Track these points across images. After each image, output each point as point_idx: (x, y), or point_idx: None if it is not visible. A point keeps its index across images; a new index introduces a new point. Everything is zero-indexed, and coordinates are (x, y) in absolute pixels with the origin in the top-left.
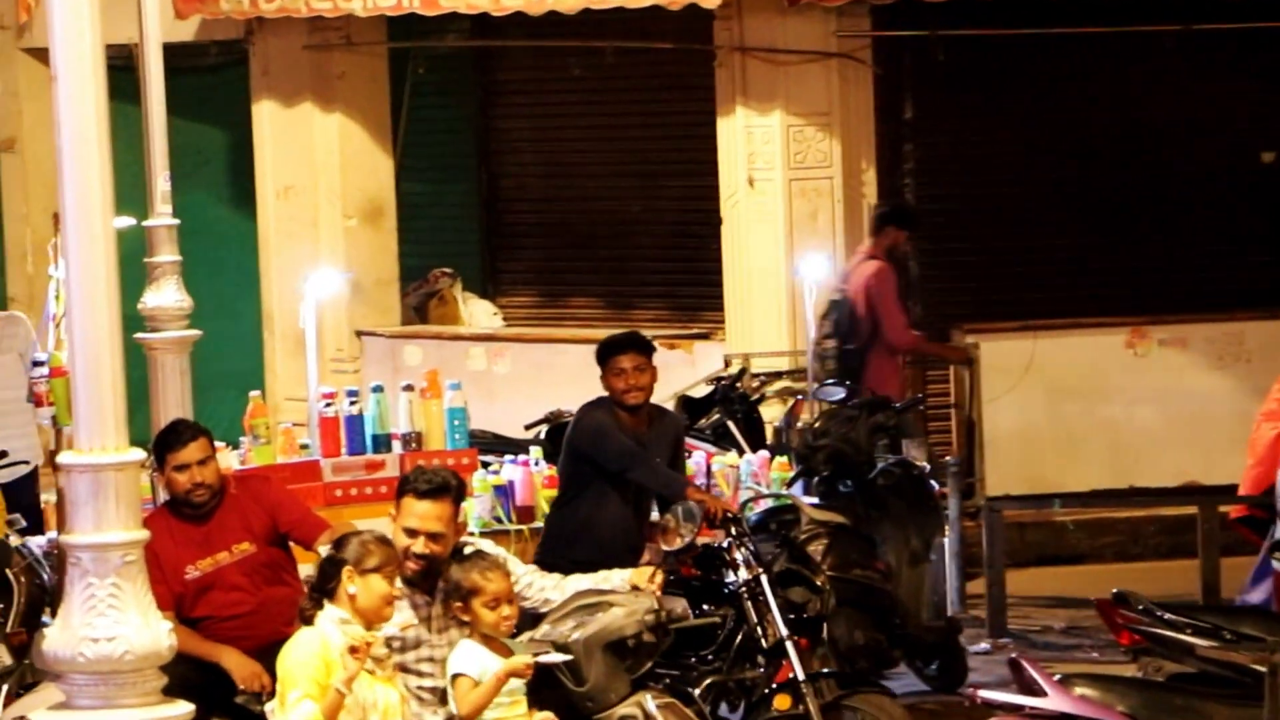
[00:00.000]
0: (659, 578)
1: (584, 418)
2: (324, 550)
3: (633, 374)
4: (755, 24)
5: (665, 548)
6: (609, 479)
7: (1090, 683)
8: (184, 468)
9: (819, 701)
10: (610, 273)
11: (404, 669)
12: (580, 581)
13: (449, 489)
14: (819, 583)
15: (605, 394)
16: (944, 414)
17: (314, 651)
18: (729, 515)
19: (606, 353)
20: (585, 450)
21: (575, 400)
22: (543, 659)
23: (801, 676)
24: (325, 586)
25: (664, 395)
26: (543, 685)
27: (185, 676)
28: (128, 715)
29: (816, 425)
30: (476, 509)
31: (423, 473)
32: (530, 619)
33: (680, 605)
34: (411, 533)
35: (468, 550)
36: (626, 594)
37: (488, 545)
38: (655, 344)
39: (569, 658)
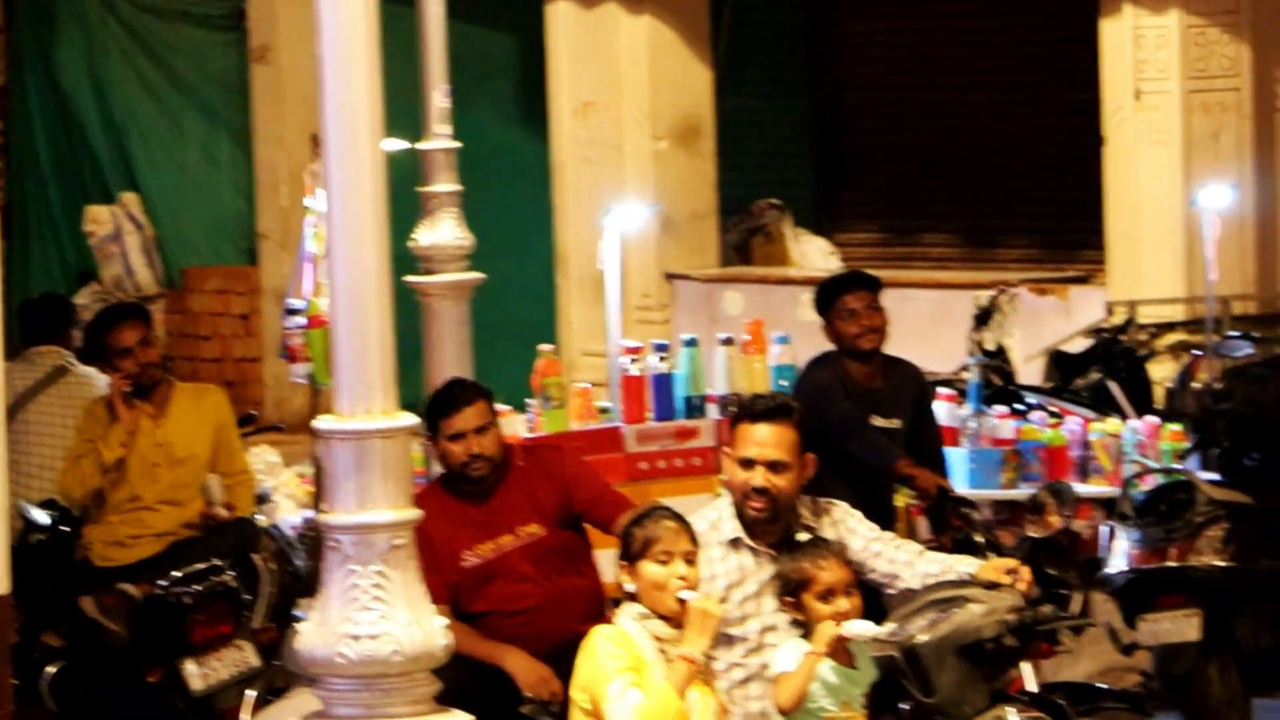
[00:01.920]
0: (1026, 573)
1: (805, 378)
2: None
3: (865, 314)
4: None
5: (1033, 534)
6: (836, 452)
7: None
8: (461, 436)
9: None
10: (969, 204)
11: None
12: (931, 565)
13: (791, 411)
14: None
15: (832, 348)
16: None
17: (621, 645)
18: (950, 496)
19: (830, 294)
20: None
21: (928, 356)
22: (852, 630)
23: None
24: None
25: (1034, 350)
26: (887, 696)
27: (462, 681)
28: None
29: (1217, 386)
30: None
31: (760, 396)
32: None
33: (1049, 606)
34: (748, 464)
35: (801, 537)
36: (987, 590)
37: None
38: (1020, 288)
39: (883, 630)
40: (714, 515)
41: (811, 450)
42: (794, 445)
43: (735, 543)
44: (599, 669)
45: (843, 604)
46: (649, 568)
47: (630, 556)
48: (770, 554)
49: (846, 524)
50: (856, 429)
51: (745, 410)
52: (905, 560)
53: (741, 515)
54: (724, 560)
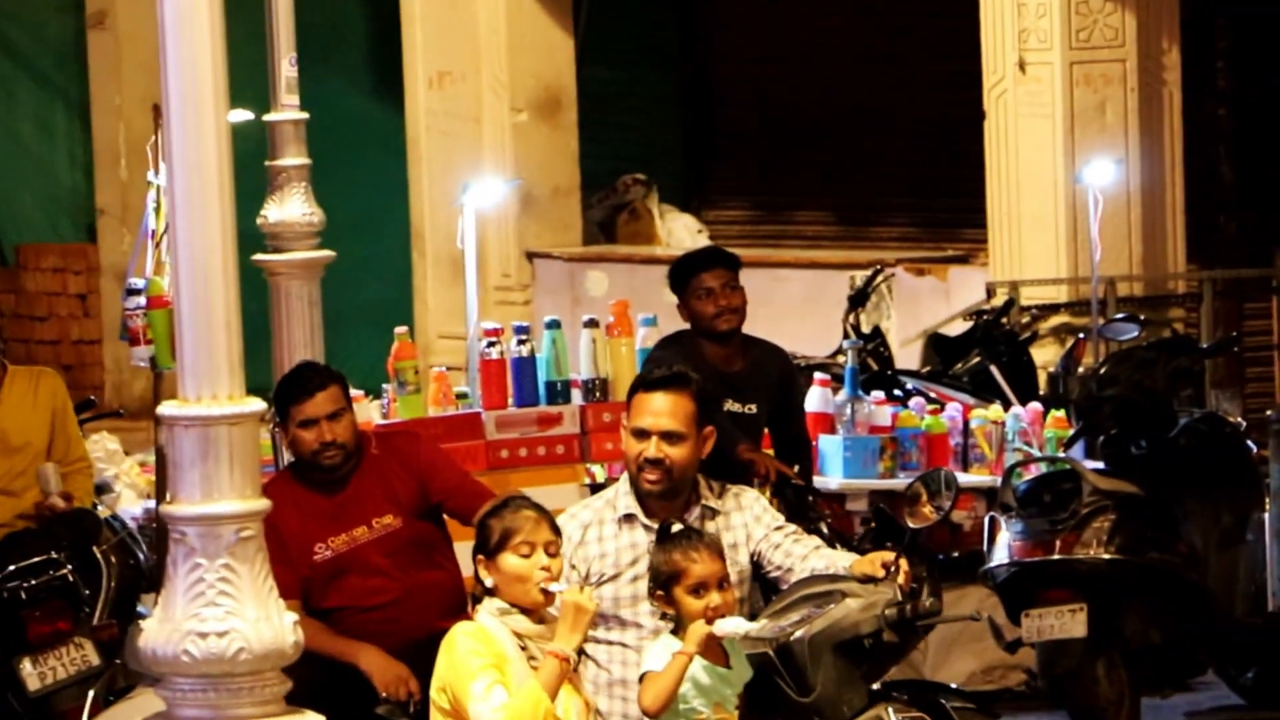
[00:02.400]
0: (905, 564)
1: (651, 357)
2: None
3: (722, 294)
4: None
5: (912, 524)
6: None
7: None
8: (313, 423)
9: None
10: (845, 181)
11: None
12: (819, 560)
13: (688, 381)
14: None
15: (686, 326)
16: (1264, 357)
17: (482, 642)
18: (792, 484)
19: (685, 272)
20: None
21: (800, 339)
22: (723, 628)
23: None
24: (481, 582)
25: (912, 332)
26: (760, 696)
27: (314, 681)
28: None
29: (1103, 371)
30: None
31: (657, 365)
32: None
33: (930, 599)
34: (642, 434)
35: (675, 528)
36: (864, 584)
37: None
38: (897, 268)
39: (755, 626)
40: (610, 493)
41: None
42: (690, 416)
43: (629, 519)
44: (460, 667)
45: (715, 599)
46: (509, 560)
47: (488, 550)
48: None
49: (752, 511)
50: None
51: (641, 380)
52: (800, 554)
53: (638, 490)
54: (616, 538)
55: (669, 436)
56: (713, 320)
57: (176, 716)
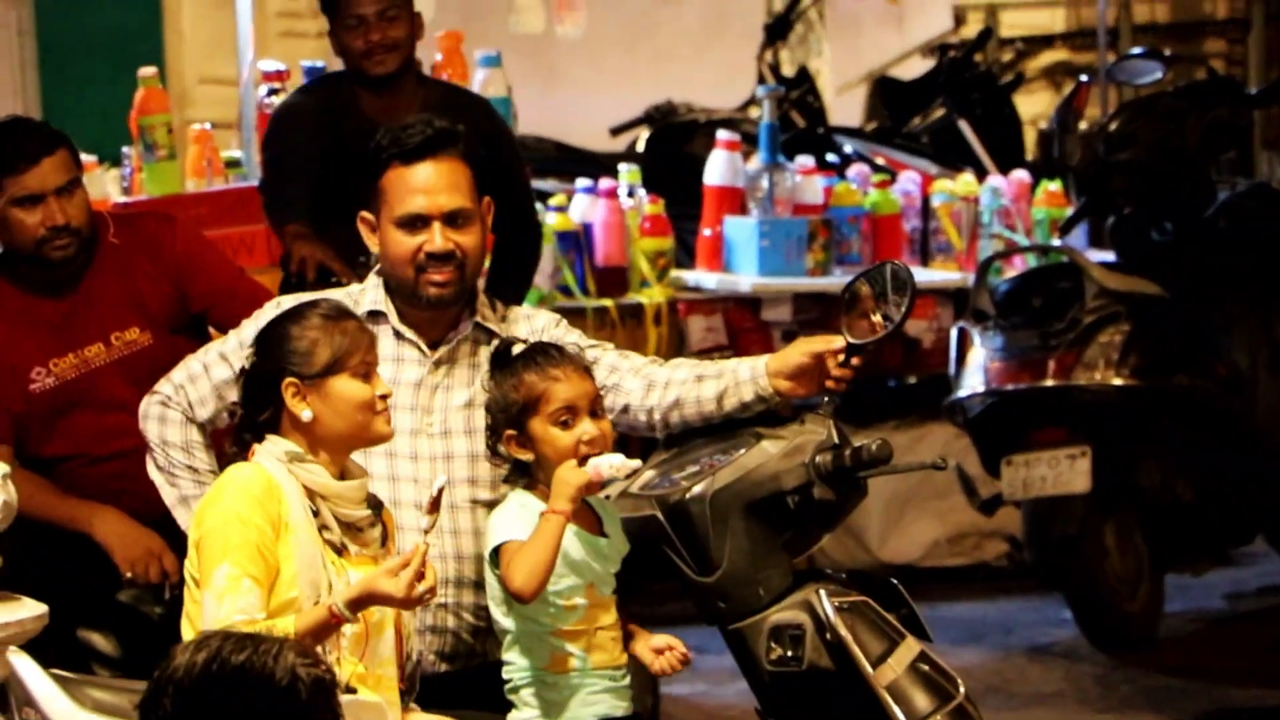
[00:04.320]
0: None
1: (289, 109)
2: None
3: (376, 25)
4: None
5: (851, 338)
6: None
7: None
8: (36, 199)
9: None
10: None
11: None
12: (712, 386)
13: (456, 138)
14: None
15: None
16: None
17: (255, 502)
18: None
19: None
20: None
21: (695, 85)
22: (602, 467)
23: None
24: (258, 414)
25: (852, 74)
26: (644, 575)
27: (33, 555)
28: None
29: (1114, 126)
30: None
31: (408, 126)
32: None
33: (878, 441)
34: (414, 222)
35: (517, 349)
36: (787, 423)
37: (553, 328)
38: None
39: (638, 465)
40: (339, 295)
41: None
42: (471, 186)
43: (397, 336)
44: (212, 535)
45: (588, 427)
46: (348, 385)
47: (309, 370)
48: (435, 357)
49: (552, 334)
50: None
51: (391, 149)
52: (665, 379)
53: (408, 300)
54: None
55: (455, 218)
56: (360, 60)
57: None
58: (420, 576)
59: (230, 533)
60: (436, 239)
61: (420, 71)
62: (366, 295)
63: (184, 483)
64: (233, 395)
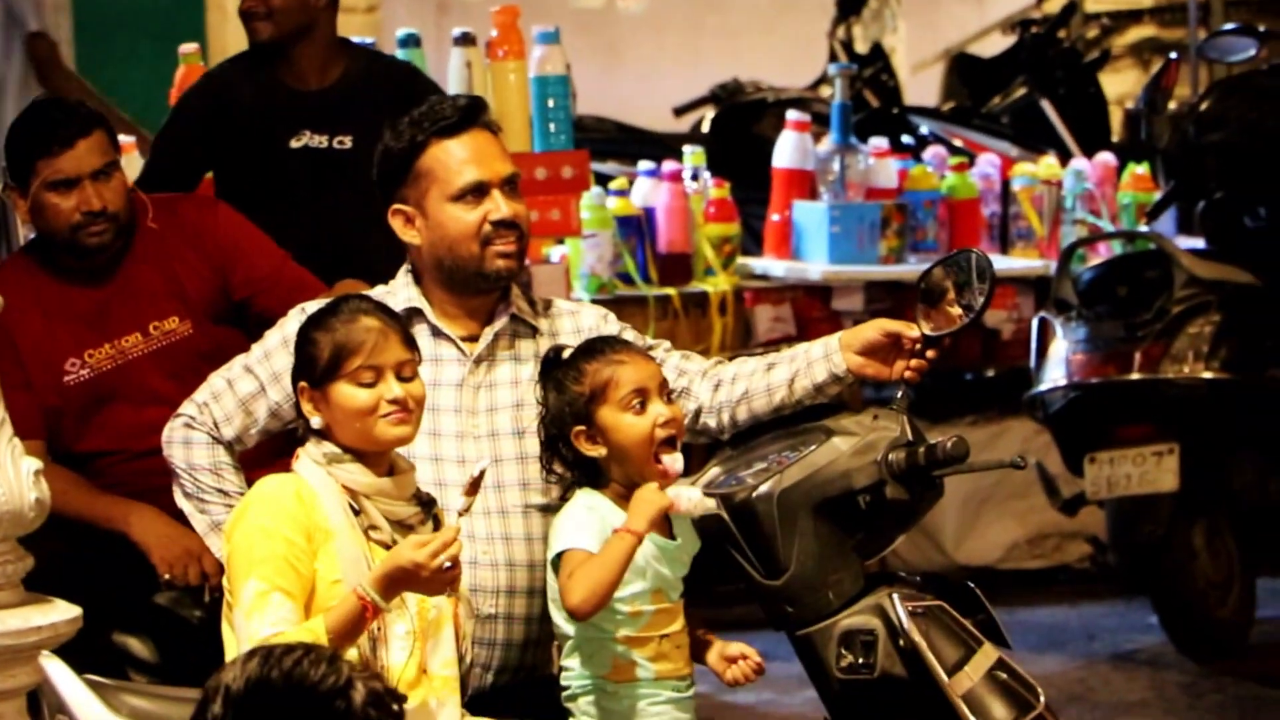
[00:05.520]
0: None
1: (214, 76)
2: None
3: None
4: None
5: (928, 329)
6: None
7: None
8: (71, 183)
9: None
10: None
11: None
12: (776, 374)
13: (485, 107)
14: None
15: None
16: None
17: (282, 513)
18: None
19: None
20: None
21: (763, 64)
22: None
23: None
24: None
25: (930, 50)
26: (709, 578)
27: (67, 556)
28: None
29: (1205, 107)
30: (586, 258)
31: (443, 101)
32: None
33: (954, 438)
34: (478, 192)
35: (566, 353)
36: (857, 418)
37: (603, 324)
38: None
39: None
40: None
41: None
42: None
43: (434, 334)
44: (240, 552)
45: (661, 408)
46: (344, 392)
47: (314, 374)
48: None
49: (601, 332)
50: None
51: (430, 126)
52: (749, 372)
53: (471, 280)
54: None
55: (510, 183)
56: (249, 23)
57: None
58: (452, 558)
59: (255, 547)
60: (502, 206)
61: (347, 40)
62: (399, 295)
63: (214, 508)
64: (260, 409)
